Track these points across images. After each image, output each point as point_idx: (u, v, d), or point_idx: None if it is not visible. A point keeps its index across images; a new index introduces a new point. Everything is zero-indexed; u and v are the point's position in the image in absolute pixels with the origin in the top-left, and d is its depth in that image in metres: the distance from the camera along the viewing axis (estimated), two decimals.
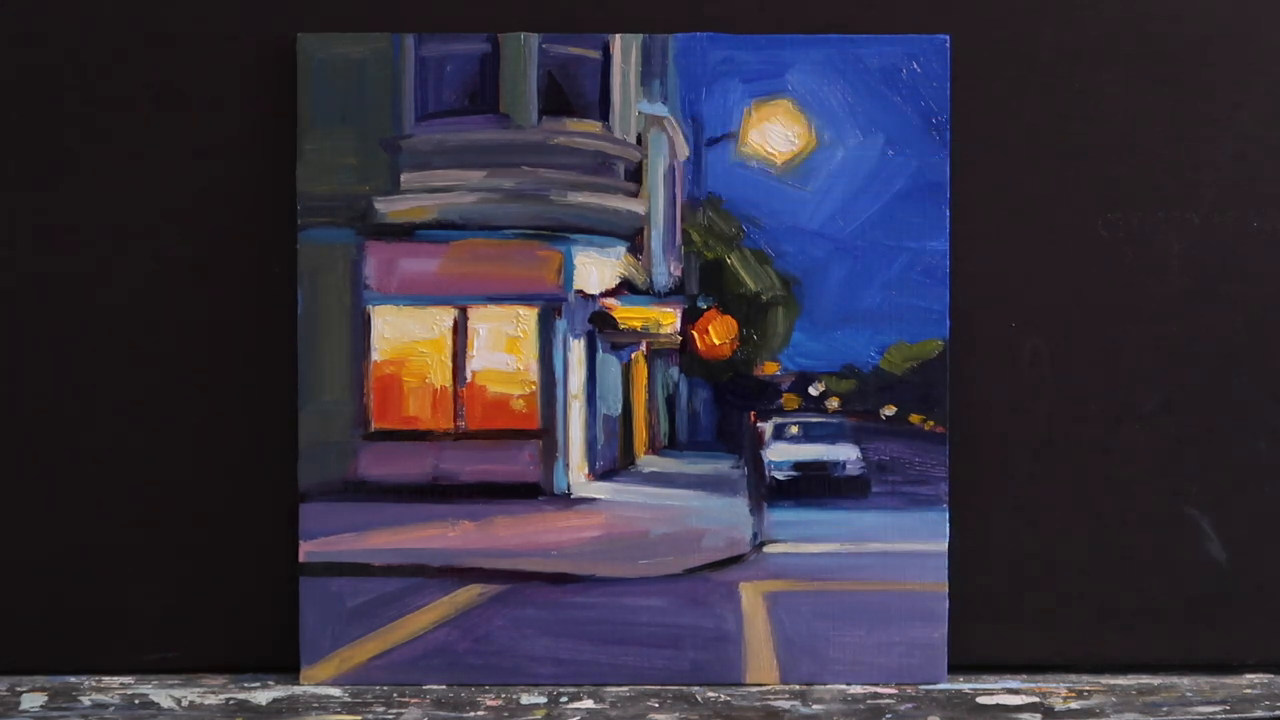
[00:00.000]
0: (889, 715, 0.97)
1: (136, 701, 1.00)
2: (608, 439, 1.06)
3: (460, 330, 1.03)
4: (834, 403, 1.03)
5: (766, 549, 1.03)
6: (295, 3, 1.01)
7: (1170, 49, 1.02)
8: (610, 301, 1.04)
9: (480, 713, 0.98)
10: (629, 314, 1.04)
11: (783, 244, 1.02)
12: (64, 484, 1.03)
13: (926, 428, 1.02)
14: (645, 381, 1.06)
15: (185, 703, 0.99)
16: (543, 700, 1.00)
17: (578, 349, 1.04)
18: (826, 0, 1.02)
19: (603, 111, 1.02)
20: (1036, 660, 1.05)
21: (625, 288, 1.04)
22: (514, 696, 1.00)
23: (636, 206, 1.03)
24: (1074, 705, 0.99)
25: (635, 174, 1.02)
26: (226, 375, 1.02)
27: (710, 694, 1.00)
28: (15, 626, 1.03)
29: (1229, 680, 1.04)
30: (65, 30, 1.01)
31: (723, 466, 1.04)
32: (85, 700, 1.00)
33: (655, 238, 1.03)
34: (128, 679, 1.03)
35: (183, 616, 1.03)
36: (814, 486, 1.03)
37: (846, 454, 1.03)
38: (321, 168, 1.00)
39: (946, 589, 1.02)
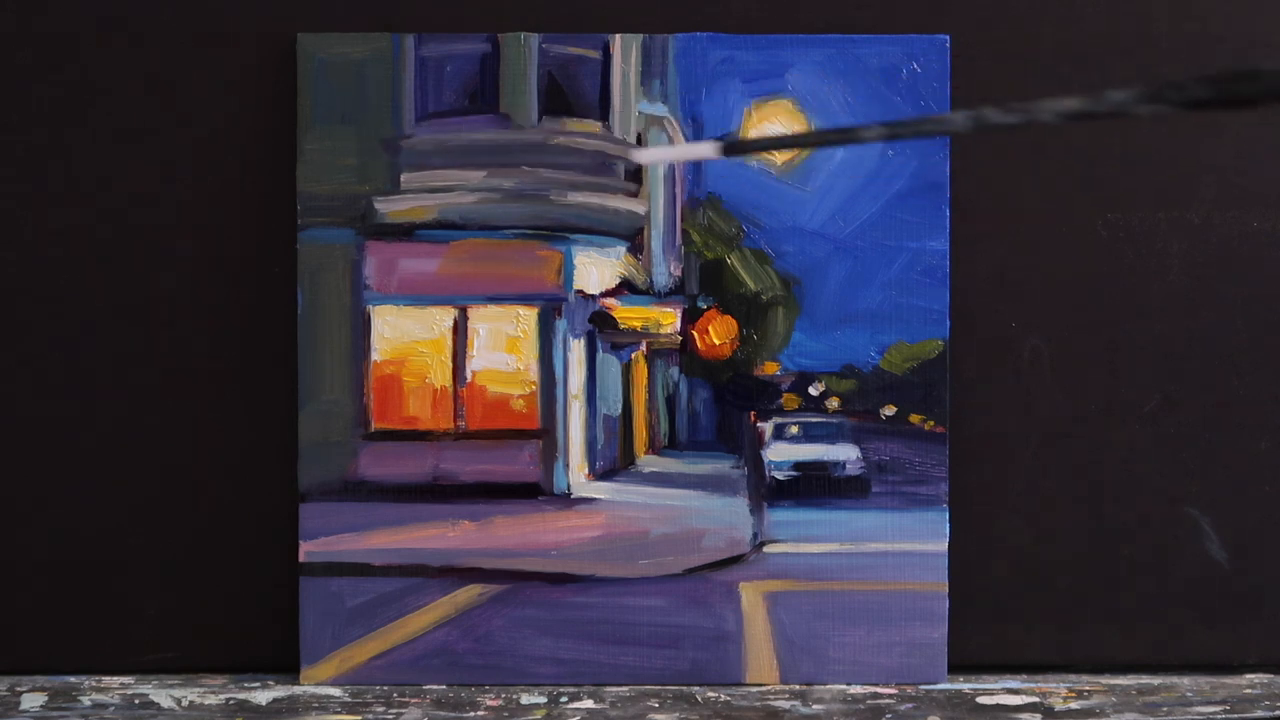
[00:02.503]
0: (889, 715, 0.97)
1: (136, 701, 0.99)
2: (608, 439, 1.06)
3: (460, 330, 1.03)
4: (834, 403, 1.03)
5: (766, 549, 1.03)
6: (295, 3, 1.01)
7: (1170, 49, 1.02)
8: (610, 301, 1.04)
9: (480, 713, 0.98)
10: (629, 314, 1.04)
11: (783, 244, 1.02)
12: (64, 484, 1.03)
13: (926, 428, 1.02)
14: (645, 381, 1.06)
15: (185, 703, 0.99)
16: (543, 700, 1.00)
17: (578, 349, 1.04)
18: (826, 0, 1.02)
19: (603, 111, 1.02)
20: (1036, 660, 1.05)
21: (625, 288, 1.04)
22: (514, 696, 1.00)
23: (636, 206, 1.03)
24: (1074, 705, 0.99)
25: (635, 174, 1.02)
26: (226, 375, 1.02)
27: (710, 694, 1.00)
28: (15, 626, 1.03)
29: (1229, 680, 1.04)
30: (65, 29, 1.01)
31: (723, 466, 1.04)
32: (85, 700, 1.00)
33: (655, 238, 1.03)
34: (128, 679, 1.03)
35: (183, 616, 1.03)
36: (814, 486, 1.03)
37: (846, 454, 1.03)
38: (321, 168, 1.00)
39: (946, 589, 1.02)
